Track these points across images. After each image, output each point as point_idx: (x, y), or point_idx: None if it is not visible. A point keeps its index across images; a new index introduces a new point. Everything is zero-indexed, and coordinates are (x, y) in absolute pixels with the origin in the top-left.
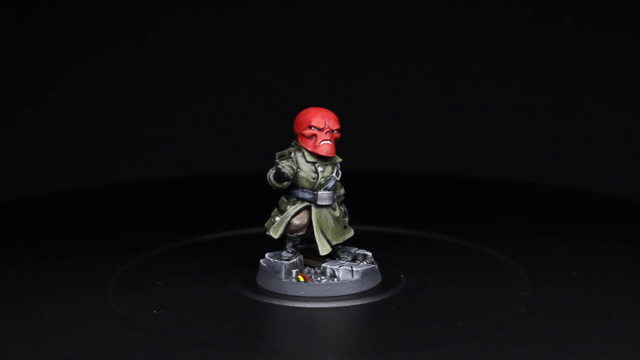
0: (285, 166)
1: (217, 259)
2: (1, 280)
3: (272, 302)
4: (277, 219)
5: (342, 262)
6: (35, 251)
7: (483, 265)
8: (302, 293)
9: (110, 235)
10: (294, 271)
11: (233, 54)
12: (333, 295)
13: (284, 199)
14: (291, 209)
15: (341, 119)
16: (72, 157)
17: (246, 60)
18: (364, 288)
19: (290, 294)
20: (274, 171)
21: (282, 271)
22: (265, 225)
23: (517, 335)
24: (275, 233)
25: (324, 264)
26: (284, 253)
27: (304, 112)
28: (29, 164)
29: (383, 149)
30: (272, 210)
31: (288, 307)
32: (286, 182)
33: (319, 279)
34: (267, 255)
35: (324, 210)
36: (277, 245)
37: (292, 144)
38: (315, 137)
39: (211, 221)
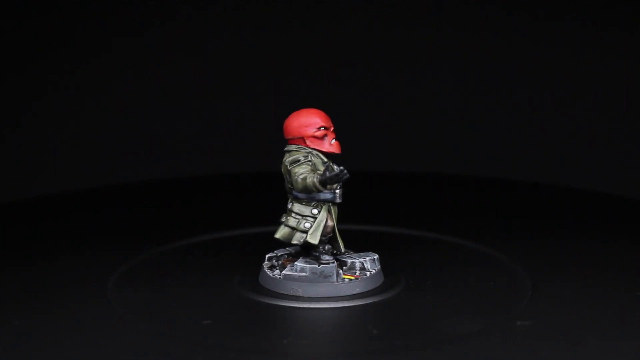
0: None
1: (217, 259)
2: (1, 280)
3: (273, 303)
4: (308, 225)
5: (356, 254)
6: (35, 251)
7: (483, 265)
8: (357, 290)
9: (110, 235)
10: (340, 272)
11: (232, 53)
12: (379, 284)
13: (301, 204)
14: (323, 212)
15: (341, 119)
16: (72, 157)
17: (246, 60)
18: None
19: (346, 294)
20: (317, 177)
21: (334, 274)
22: (280, 236)
23: (517, 336)
24: (315, 239)
25: (350, 260)
26: (327, 257)
27: (304, 114)
28: (29, 164)
29: (383, 149)
30: (270, 210)
31: (289, 307)
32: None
33: (357, 273)
34: (300, 263)
35: (335, 208)
36: (273, 246)
37: (294, 148)
38: (326, 137)
39: (211, 221)
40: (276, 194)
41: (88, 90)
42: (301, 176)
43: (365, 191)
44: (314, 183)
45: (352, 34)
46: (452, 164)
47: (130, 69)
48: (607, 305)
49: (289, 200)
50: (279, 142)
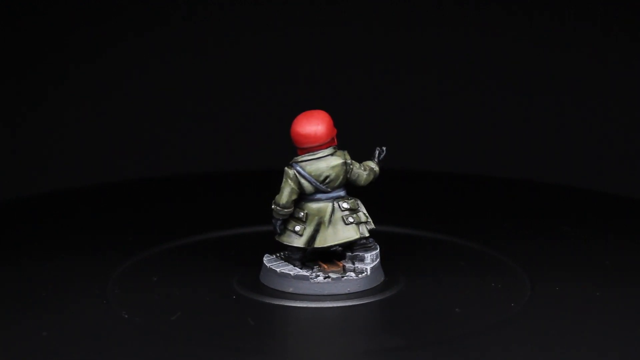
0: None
1: (218, 258)
2: (0, 280)
3: (273, 302)
4: (363, 218)
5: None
6: (35, 251)
7: (483, 265)
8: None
9: (110, 235)
10: None
11: (230, 53)
12: (379, 283)
13: (346, 200)
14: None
15: (341, 118)
16: (72, 157)
17: (246, 59)
18: None
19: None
20: (376, 165)
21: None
22: (362, 233)
23: (517, 336)
24: (372, 224)
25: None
26: (370, 239)
27: (323, 115)
28: (29, 164)
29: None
30: (270, 209)
31: (289, 307)
32: None
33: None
34: (370, 253)
35: None
36: (273, 245)
37: (333, 150)
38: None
39: (211, 221)
40: (276, 192)
41: (88, 90)
42: (368, 168)
43: (364, 191)
44: (377, 172)
45: (352, 33)
46: (452, 164)
47: (128, 69)
48: (606, 305)
49: (338, 200)
50: (279, 140)
